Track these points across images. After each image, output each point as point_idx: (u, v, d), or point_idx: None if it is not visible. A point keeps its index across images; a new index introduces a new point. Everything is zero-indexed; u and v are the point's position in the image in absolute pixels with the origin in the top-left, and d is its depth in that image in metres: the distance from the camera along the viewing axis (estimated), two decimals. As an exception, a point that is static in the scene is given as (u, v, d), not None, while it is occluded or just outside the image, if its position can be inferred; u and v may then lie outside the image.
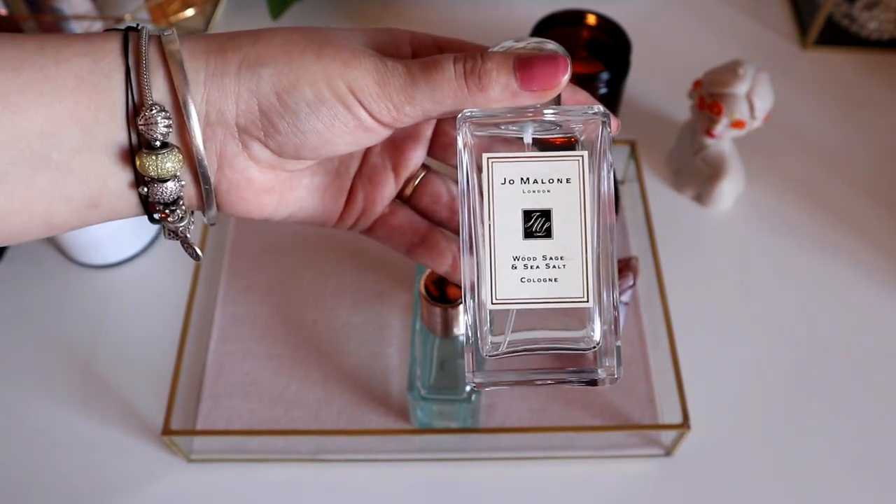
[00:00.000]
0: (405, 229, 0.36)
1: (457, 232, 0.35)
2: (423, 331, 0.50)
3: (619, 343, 0.30)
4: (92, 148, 0.27)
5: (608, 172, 0.30)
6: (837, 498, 0.53)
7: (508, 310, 0.30)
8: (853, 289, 0.63)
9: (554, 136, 0.31)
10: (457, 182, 0.30)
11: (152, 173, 0.28)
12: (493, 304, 0.30)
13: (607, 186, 0.30)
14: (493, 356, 0.30)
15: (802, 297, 0.63)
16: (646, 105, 0.75)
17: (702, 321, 0.61)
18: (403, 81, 0.29)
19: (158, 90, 0.28)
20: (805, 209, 0.68)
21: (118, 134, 0.28)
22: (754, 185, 0.69)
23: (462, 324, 0.30)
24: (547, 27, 0.66)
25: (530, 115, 0.30)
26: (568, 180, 0.30)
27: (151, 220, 0.30)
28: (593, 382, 0.30)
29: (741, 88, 0.61)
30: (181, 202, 0.30)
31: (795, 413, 0.57)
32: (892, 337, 0.60)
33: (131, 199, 0.29)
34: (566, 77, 0.29)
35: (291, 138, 0.29)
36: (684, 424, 0.51)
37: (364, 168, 0.35)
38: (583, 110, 0.30)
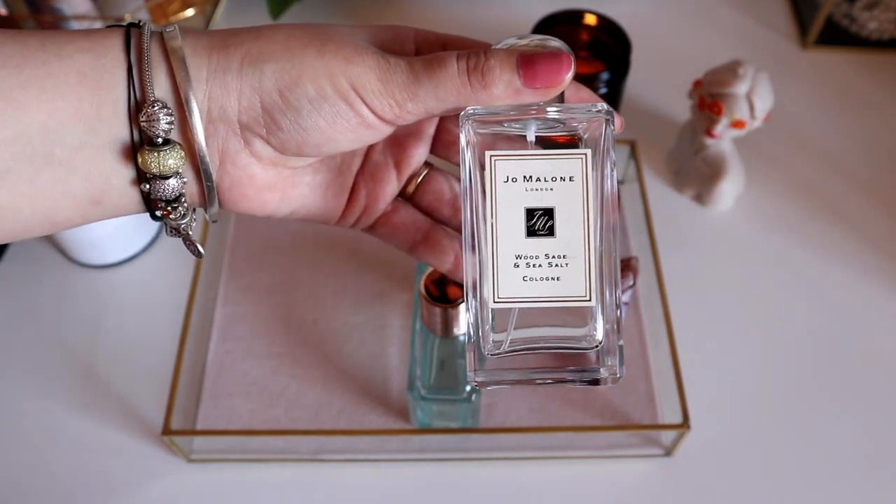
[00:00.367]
0: (407, 227, 0.35)
1: (459, 230, 0.35)
2: (423, 331, 0.50)
3: (621, 342, 0.30)
4: (94, 144, 0.27)
5: (611, 171, 0.30)
6: (838, 498, 0.53)
7: (510, 308, 0.30)
8: (853, 288, 0.63)
9: (557, 133, 0.30)
10: (459, 180, 0.30)
11: (154, 170, 0.28)
12: (495, 302, 0.29)
13: (610, 185, 0.30)
14: (494, 355, 0.30)
15: (802, 296, 0.63)
16: (646, 105, 0.75)
17: (702, 321, 0.61)
18: (406, 78, 0.28)
19: (160, 87, 0.28)
20: (805, 209, 0.68)
21: (120, 130, 0.28)
22: (754, 185, 0.69)
23: (464, 322, 0.30)
24: (547, 27, 0.66)
25: (533, 112, 0.30)
26: (571, 178, 0.29)
27: (153, 216, 0.30)
28: (595, 382, 0.30)
29: (741, 88, 0.61)
30: (183, 199, 0.30)
31: (795, 413, 0.57)
32: (892, 337, 0.60)
33: (133, 195, 0.29)
34: (570, 74, 0.29)
35: (293, 135, 0.29)
36: (684, 424, 0.51)
37: (366, 165, 0.35)
38: (586, 108, 0.30)
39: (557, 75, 0.29)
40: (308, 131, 0.29)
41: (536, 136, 0.30)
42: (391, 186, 0.35)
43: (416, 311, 0.53)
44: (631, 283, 0.55)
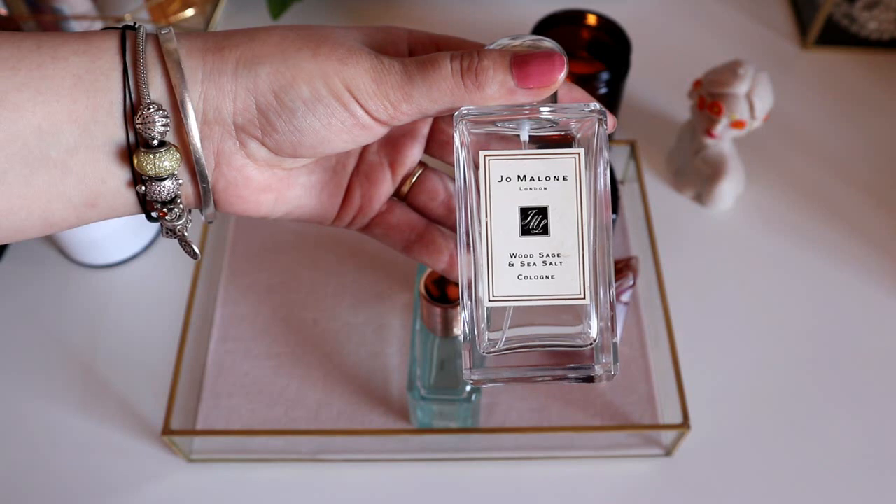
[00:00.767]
0: (402, 227, 0.36)
1: (454, 229, 0.35)
2: (423, 331, 0.50)
3: (616, 340, 0.30)
4: (90, 146, 0.28)
5: (605, 169, 0.30)
6: (837, 498, 0.53)
7: (506, 307, 0.30)
8: (853, 288, 0.63)
9: (551, 133, 0.31)
10: (454, 179, 0.31)
11: (150, 172, 0.28)
12: (490, 301, 0.30)
13: (604, 183, 0.30)
14: (490, 353, 0.30)
15: (802, 296, 0.63)
16: (646, 105, 0.75)
17: (702, 321, 0.61)
18: (400, 79, 0.29)
19: (156, 89, 0.28)
20: (805, 209, 0.68)
21: (116, 132, 0.28)
22: (754, 185, 0.69)
23: (459, 321, 0.30)
24: (547, 27, 0.66)
25: (527, 112, 0.30)
26: (565, 178, 0.30)
27: (149, 218, 0.30)
28: (590, 379, 0.30)
29: (741, 88, 0.61)
30: (179, 200, 0.30)
31: (795, 413, 0.57)
32: (892, 337, 0.60)
33: (129, 197, 0.29)
34: (562, 75, 0.29)
35: (289, 136, 0.29)
36: (684, 424, 0.51)
37: (361, 166, 0.35)
38: (579, 108, 0.30)
39: (550, 75, 0.29)
40: (303, 132, 0.29)
41: (530, 136, 0.31)
42: (386, 186, 0.35)
43: (416, 311, 0.53)
44: (631, 283, 0.55)
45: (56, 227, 0.29)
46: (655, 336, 0.59)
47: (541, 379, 0.31)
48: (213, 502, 0.54)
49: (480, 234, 0.30)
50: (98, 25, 0.76)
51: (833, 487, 0.54)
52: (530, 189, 0.30)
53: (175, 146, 0.29)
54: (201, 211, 0.31)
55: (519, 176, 0.30)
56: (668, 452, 0.55)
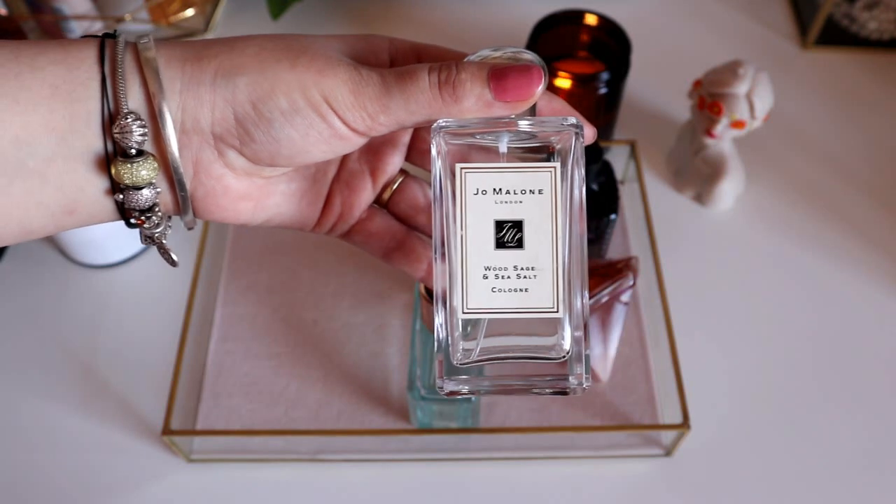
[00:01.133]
0: (382, 234, 0.36)
1: None
2: (423, 331, 0.50)
3: (588, 352, 0.30)
4: (67, 156, 0.28)
5: (580, 183, 0.30)
6: (837, 498, 0.53)
7: (480, 319, 0.30)
8: (853, 288, 0.63)
9: (530, 144, 0.31)
10: (431, 189, 0.31)
11: (127, 181, 0.28)
12: (464, 313, 0.30)
13: (579, 196, 0.30)
14: (464, 364, 0.31)
15: (802, 296, 0.63)
16: (646, 105, 0.75)
17: (702, 321, 0.61)
18: (378, 91, 0.29)
19: (134, 98, 0.28)
20: (805, 209, 0.68)
21: (94, 142, 0.28)
22: (754, 185, 0.69)
23: (434, 331, 0.30)
24: (547, 27, 0.66)
25: (504, 125, 0.30)
26: (540, 191, 0.30)
27: (128, 225, 0.30)
28: (563, 392, 0.31)
29: (741, 88, 0.61)
30: (157, 209, 0.30)
31: (795, 413, 0.57)
32: (892, 337, 0.60)
33: (107, 205, 0.29)
34: (540, 88, 0.29)
35: (266, 146, 0.29)
36: (684, 424, 0.51)
37: (342, 173, 0.35)
38: (557, 122, 0.30)
39: (528, 89, 0.29)
40: (281, 142, 0.29)
41: (509, 147, 0.31)
42: (366, 194, 0.35)
43: (416, 311, 0.53)
44: (631, 283, 0.55)
45: (34, 235, 0.29)
46: (655, 336, 0.59)
47: (514, 391, 0.31)
48: (213, 502, 0.54)
49: (455, 245, 0.30)
50: (98, 25, 0.76)
51: (833, 487, 0.54)
52: (506, 202, 0.30)
53: (153, 155, 0.29)
54: (181, 218, 0.31)
55: (495, 189, 0.30)
56: (668, 452, 0.55)
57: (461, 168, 0.30)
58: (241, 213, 0.32)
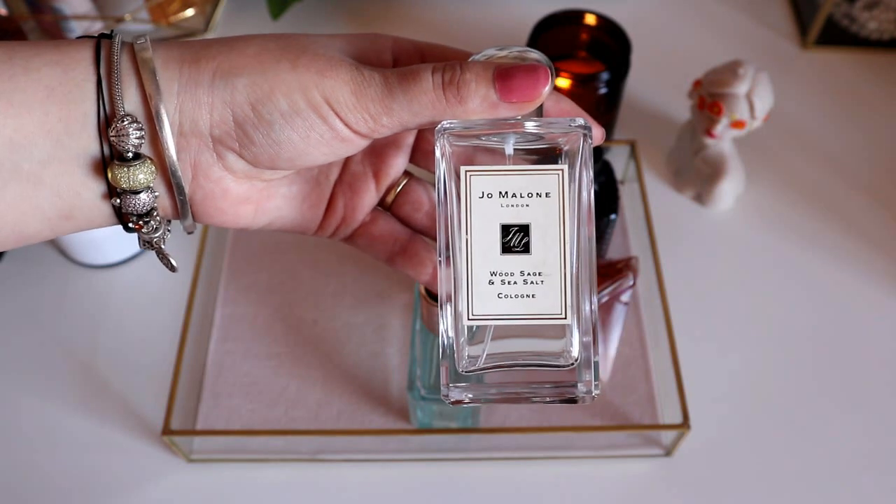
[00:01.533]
0: (386, 238, 0.35)
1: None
2: (423, 331, 0.50)
3: (597, 358, 0.29)
4: (63, 159, 0.27)
5: (589, 185, 0.29)
6: (837, 498, 0.53)
7: (486, 326, 0.29)
8: (853, 288, 0.63)
9: (537, 146, 0.30)
10: (436, 192, 0.30)
11: (124, 185, 0.28)
12: (469, 319, 0.29)
13: (587, 198, 0.29)
14: (470, 372, 0.30)
15: (802, 296, 0.63)
16: (646, 105, 0.75)
17: (702, 321, 0.61)
18: (381, 92, 0.28)
19: (131, 100, 0.27)
20: (805, 209, 0.68)
21: (90, 145, 0.27)
22: (754, 185, 0.69)
23: (439, 337, 0.30)
24: (547, 27, 0.66)
25: (511, 126, 0.29)
26: (547, 195, 0.29)
27: (126, 229, 0.30)
28: (572, 400, 0.30)
29: (741, 88, 0.61)
30: (155, 213, 0.29)
31: (795, 413, 0.57)
32: (892, 337, 0.60)
33: (105, 209, 0.29)
34: (547, 88, 0.28)
35: (266, 149, 0.29)
36: (684, 424, 0.51)
37: (344, 176, 0.34)
38: (565, 123, 0.29)
39: (534, 89, 0.28)
40: (281, 145, 0.28)
41: (515, 149, 0.30)
42: (370, 197, 0.34)
43: (416, 311, 0.53)
44: (631, 283, 0.55)
45: (30, 240, 0.29)
46: (655, 336, 0.59)
47: (521, 398, 0.30)
48: (213, 502, 0.54)
49: (461, 250, 0.29)
50: (98, 25, 0.76)
51: (833, 487, 0.54)
52: (512, 206, 0.29)
53: (150, 159, 0.28)
54: (180, 222, 0.31)
55: (501, 192, 0.29)
56: (668, 452, 0.55)
57: (466, 171, 0.29)
58: (241, 217, 0.32)
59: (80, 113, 0.27)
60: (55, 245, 0.65)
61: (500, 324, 0.29)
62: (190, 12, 0.79)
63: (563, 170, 0.29)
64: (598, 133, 0.30)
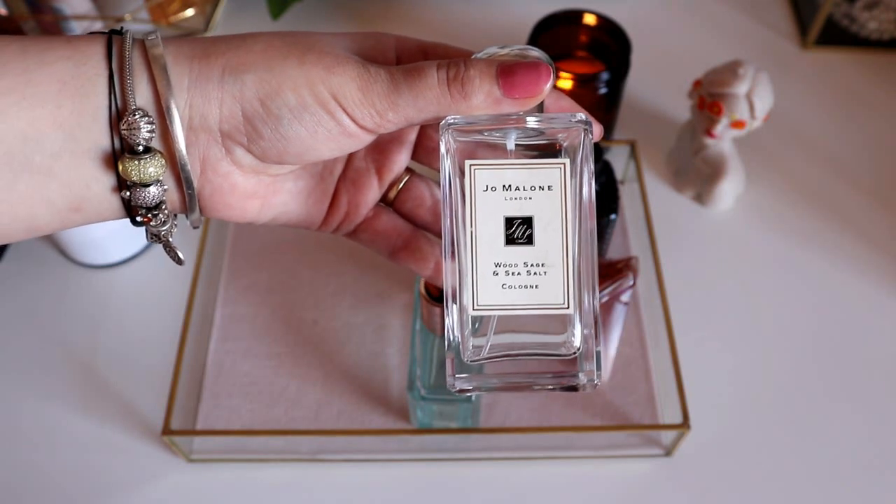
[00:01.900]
0: (389, 233, 0.36)
1: (440, 235, 0.35)
2: (423, 331, 0.50)
3: (599, 348, 0.30)
4: (74, 152, 0.28)
5: (590, 179, 0.30)
6: (838, 498, 0.53)
7: (490, 316, 0.30)
8: (853, 288, 0.63)
9: (538, 142, 0.31)
10: (440, 186, 0.31)
11: (134, 178, 0.28)
12: (474, 310, 0.30)
13: (588, 192, 0.30)
14: (474, 362, 0.31)
15: (802, 296, 0.63)
16: (646, 105, 0.75)
17: (702, 321, 0.61)
18: (387, 88, 0.29)
19: (142, 95, 0.28)
20: (805, 209, 0.68)
21: (101, 138, 0.28)
22: (754, 185, 0.69)
23: (444, 329, 0.30)
24: (547, 27, 0.66)
25: (513, 122, 0.30)
26: (550, 188, 0.30)
27: (134, 223, 0.30)
28: (573, 388, 0.31)
29: (741, 88, 0.61)
30: (164, 206, 0.30)
31: (795, 413, 0.57)
32: (892, 337, 0.60)
33: (114, 202, 0.29)
34: (549, 85, 0.29)
35: (275, 144, 0.29)
36: (684, 424, 0.51)
37: (348, 172, 0.35)
38: (566, 118, 0.30)
39: (536, 86, 0.29)
40: (289, 140, 0.29)
41: (517, 145, 0.31)
42: (372, 192, 0.35)
43: (416, 311, 0.53)
44: (631, 283, 0.55)
45: (40, 231, 0.29)
46: (655, 336, 0.59)
47: (525, 387, 0.31)
48: (213, 502, 0.54)
49: (465, 242, 0.30)
50: (98, 26, 0.76)
51: (833, 486, 0.54)
52: (515, 199, 0.30)
53: (160, 152, 0.28)
54: (187, 216, 0.31)
55: (504, 185, 0.30)
56: (668, 452, 0.55)
57: (470, 165, 0.30)
58: (248, 212, 0.32)
59: (91, 107, 0.27)
60: (55, 245, 0.65)
61: (505, 314, 0.30)
62: (190, 12, 0.79)
63: (565, 163, 0.30)
64: (597, 130, 0.31)
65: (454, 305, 0.30)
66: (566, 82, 0.62)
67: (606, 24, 0.66)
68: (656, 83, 0.76)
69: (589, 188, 0.30)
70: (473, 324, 0.30)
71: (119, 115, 0.28)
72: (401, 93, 0.29)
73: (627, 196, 0.68)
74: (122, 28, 0.29)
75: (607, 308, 0.55)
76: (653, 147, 0.71)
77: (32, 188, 0.27)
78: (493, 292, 0.30)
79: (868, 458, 0.55)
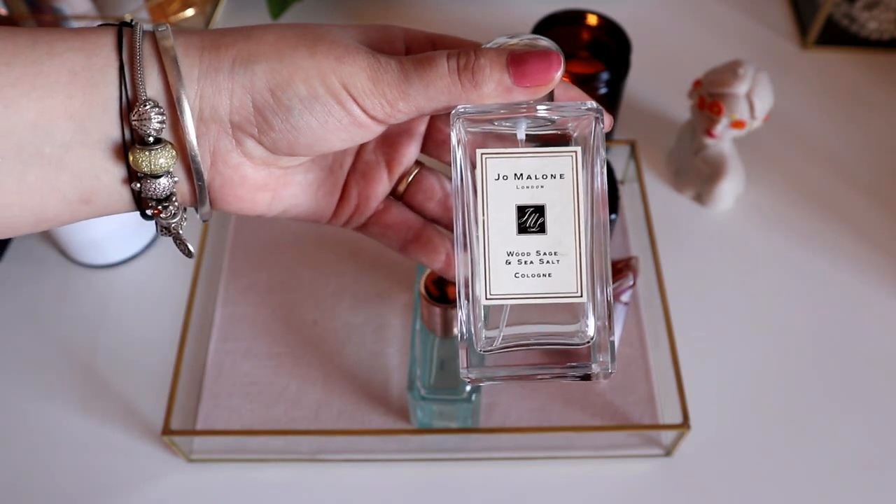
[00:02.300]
0: (399, 226, 0.36)
1: (450, 228, 0.35)
2: (423, 331, 0.50)
3: (613, 338, 0.30)
4: (84, 143, 0.27)
5: (601, 168, 0.30)
6: (837, 498, 0.53)
7: (502, 305, 0.30)
8: (853, 288, 0.63)
9: (547, 132, 0.31)
10: (450, 178, 0.31)
11: (145, 169, 0.28)
12: (487, 299, 0.30)
13: (600, 182, 0.30)
14: (487, 352, 0.30)
15: (802, 296, 0.63)
16: (646, 105, 0.75)
17: (702, 321, 0.61)
18: (397, 77, 0.29)
19: (152, 86, 0.28)
20: (805, 209, 0.68)
21: (111, 129, 0.28)
22: (754, 185, 0.69)
23: (457, 319, 0.30)
24: (547, 27, 0.66)
25: (524, 111, 0.30)
26: (561, 176, 0.30)
27: (144, 216, 0.30)
28: (587, 377, 0.30)
29: (741, 88, 0.61)
30: (174, 198, 0.30)
31: (795, 413, 0.57)
32: (892, 337, 0.60)
33: (124, 194, 0.29)
34: (559, 73, 0.29)
35: (285, 135, 0.29)
36: (684, 424, 0.51)
37: (358, 165, 0.35)
38: (576, 106, 0.30)
39: (547, 74, 0.29)
40: (300, 131, 0.29)
41: (527, 135, 0.31)
42: (382, 185, 0.35)
43: (416, 311, 0.53)
44: (631, 283, 0.55)
45: (49, 224, 0.29)
46: (655, 336, 0.59)
47: (538, 377, 0.31)
48: (213, 502, 0.54)
49: (477, 232, 0.30)
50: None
51: (833, 486, 0.54)
52: (527, 187, 0.30)
53: (171, 143, 0.28)
54: (196, 209, 0.31)
55: (516, 174, 0.30)
56: (668, 452, 0.55)
57: (482, 154, 0.30)
58: (259, 204, 0.32)
59: (102, 97, 0.27)
60: (55, 245, 0.65)
61: (517, 303, 0.30)
62: (190, 12, 0.79)
63: (576, 151, 0.30)
64: (607, 120, 0.31)
65: (466, 297, 0.30)
66: (566, 82, 0.62)
67: (606, 24, 0.66)
68: (656, 83, 0.76)
69: (601, 177, 0.30)
70: (486, 316, 0.30)
71: (129, 106, 0.27)
72: (411, 82, 0.29)
73: (627, 196, 0.68)
74: (132, 20, 0.29)
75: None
76: (653, 147, 0.71)
77: (42, 179, 0.27)
78: (506, 282, 0.30)
79: (868, 458, 0.55)
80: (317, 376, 0.58)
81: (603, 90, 0.63)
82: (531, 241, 0.30)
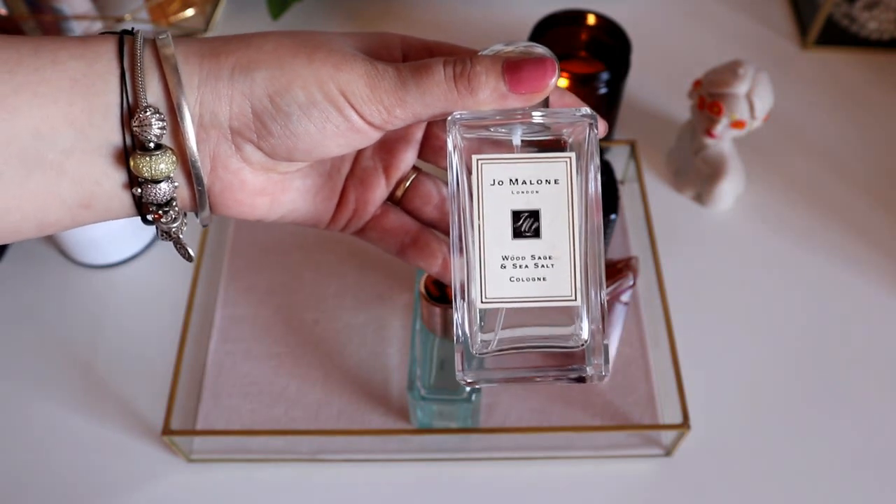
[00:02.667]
0: (396, 231, 0.36)
1: (447, 232, 0.35)
2: (423, 331, 0.50)
3: (607, 341, 0.31)
4: (85, 149, 0.28)
5: (595, 173, 0.30)
6: (837, 498, 0.53)
7: (498, 309, 0.31)
8: (853, 288, 0.63)
9: (543, 138, 0.31)
10: (446, 183, 0.31)
11: (146, 174, 0.28)
12: (482, 303, 0.30)
13: (594, 187, 0.30)
14: (483, 355, 0.31)
15: (802, 296, 0.63)
16: (646, 105, 0.75)
17: (702, 321, 0.61)
18: (394, 84, 0.29)
19: (153, 93, 0.28)
20: (805, 209, 0.68)
21: (112, 135, 0.28)
22: (754, 185, 0.69)
23: (453, 323, 0.31)
24: (547, 27, 0.66)
25: (519, 117, 0.30)
26: (556, 181, 0.30)
27: (144, 220, 0.31)
28: (581, 380, 0.31)
29: (741, 88, 0.61)
30: (174, 203, 0.30)
31: (795, 413, 0.57)
32: (891, 337, 0.60)
33: (125, 199, 0.30)
34: (554, 80, 0.29)
35: (284, 140, 0.29)
36: (684, 424, 0.51)
37: (356, 170, 0.35)
38: (571, 112, 0.31)
39: (542, 81, 0.29)
40: (298, 136, 0.29)
41: (522, 141, 0.31)
42: (380, 191, 0.36)
43: (416, 312, 0.53)
44: (631, 283, 0.55)
45: (51, 229, 0.29)
46: (655, 336, 0.59)
47: (534, 379, 0.31)
48: (213, 502, 0.54)
49: (473, 236, 0.30)
50: (98, 26, 0.76)
51: (833, 486, 0.54)
52: (522, 192, 0.30)
53: (171, 149, 0.29)
54: (196, 214, 0.31)
55: (511, 179, 0.30)
56: (668, 452, 0.55)
57: (478, 159, 0.30)
58: (258, 209, 0.32)
59: (103, 104, 0.28)
60: (55, 245, 0.65)
61: (513, 306, 0.30)
62: (190, 12, 0.79)
63: (570, 157, 0.30)
64: (601, 126, 0.31)
65: (462, 300, 0.30)
66: (566, 82, 0.62)
67: (606, 24, 0.66)
68: (656, 83, 0.76)
69: (596, 182, 0.30)
70: (482, 319, 0.31)
71: (130, 113, 0.28)
72: (408, 89, 0.29)
73: (627, 196, 0.68)
74: (132, 28, 0.29)
75: (607, 308, 0.55)
76: (653, 147, 0.71)
77: (44, 185, 0.28)
78: (502, 285, 0.30)
79: (868, 458, 0.55)
80: (317, 376, 0.58)
81: (603, 90, 0.63)
82: (526, 246, 0.30)
